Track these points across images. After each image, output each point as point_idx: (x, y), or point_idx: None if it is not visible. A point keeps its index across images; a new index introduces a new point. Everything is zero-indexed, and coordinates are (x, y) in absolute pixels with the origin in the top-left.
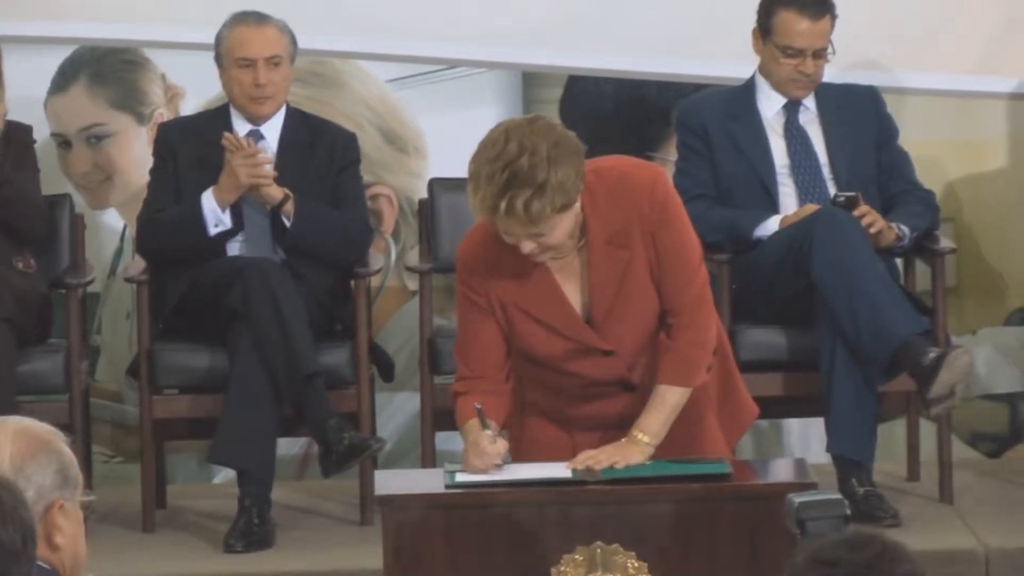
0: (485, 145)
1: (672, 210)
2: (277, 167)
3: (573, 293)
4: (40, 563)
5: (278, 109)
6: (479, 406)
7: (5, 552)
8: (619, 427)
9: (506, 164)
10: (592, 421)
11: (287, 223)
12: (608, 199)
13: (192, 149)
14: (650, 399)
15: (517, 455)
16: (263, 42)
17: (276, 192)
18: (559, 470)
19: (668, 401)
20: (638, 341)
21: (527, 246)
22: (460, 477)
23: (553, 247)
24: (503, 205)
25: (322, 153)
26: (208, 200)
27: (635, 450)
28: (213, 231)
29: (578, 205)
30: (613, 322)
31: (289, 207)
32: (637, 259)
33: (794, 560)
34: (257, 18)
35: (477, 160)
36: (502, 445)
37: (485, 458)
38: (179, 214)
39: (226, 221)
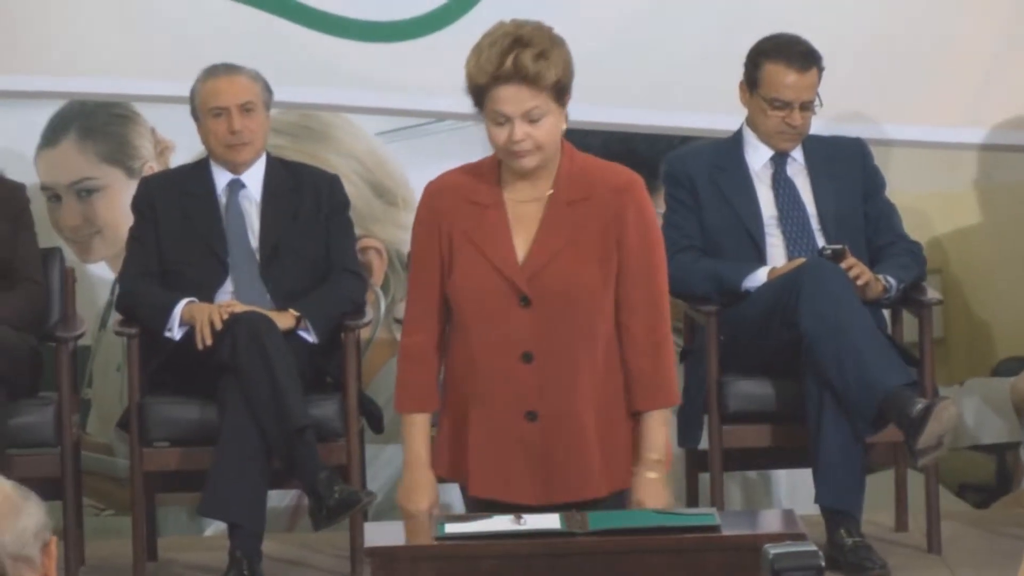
0: (486, 32)
1: (645, 211)
2: (262, 216)
3: (520, 240)
4: None
5: (256, 156)
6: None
7: None
8: (507, 408)
9: (509, 33)
10: (485, 398)
11: (310, 339)
12: (582, 171)
13: (173, 202)
14: (642, 426)
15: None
16: (235, 90)
17: (289, 320)
18: (550, 521)
19: (658, 421)
20: (558, 305)
21: (520, 130)
22: (449, 528)
23: (541, 146)
24: (509, 62)
25: (307, 197)
26: (179, 308)
27: (655, 479)
28: (166, 334)
29: (563, 122)
30: (544, 276)
31: (304, 323)
32: (589, 230)
33: None
34: (227, 68)
35: (479, 41)
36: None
37: (415, 516)
38: (152, 305)
39: (175, 336)
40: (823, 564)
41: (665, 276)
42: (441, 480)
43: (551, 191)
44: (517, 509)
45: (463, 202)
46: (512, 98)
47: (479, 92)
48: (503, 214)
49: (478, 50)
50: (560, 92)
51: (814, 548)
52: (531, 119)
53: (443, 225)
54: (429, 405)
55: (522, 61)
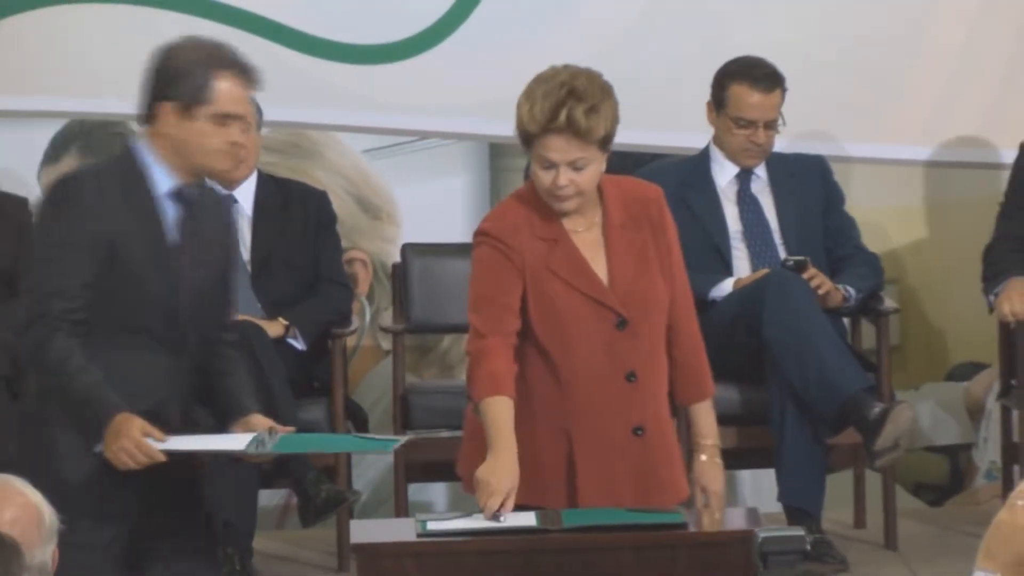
0: (537, 77)
1: (670, 221)
2: (253, 230)
3: (596, 265)
4: None
5: (249, 173)
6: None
7: None
8: (614, 424)
9: (564, 83)
10: (589, 419)
11: (298, 346)
12: (620, 192)
13: None
14: (691, 417)
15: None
16: None
17: (278, 328)
18: (526, 519)
19: (708, 409)
20: (650, 319)
21: (564, 176)
22: (431, 526)
23: (582, 192)
24: (563, 115)
25: (296, 212)
26: None
27: (714, 464)
28: None
29: (603, 165)
30: (633, 297)
31: (293, 331)
32: (648, 248)
33: None
34: None
35: (531, 86)
36: (509, 505)
37: (497, 495)
38: None
39: None
40: (809, 548)
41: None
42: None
43: (602, 220)
44: None
45: (531, 238)
46: (561, 148)
47: (528, 137)
48: (571, 245)
49: (531, 98)
50: (606, 142)
51: (801, 533)
52: (576, 167)
53: (516, 258)
54: (507, 390)
55: (575, 116)
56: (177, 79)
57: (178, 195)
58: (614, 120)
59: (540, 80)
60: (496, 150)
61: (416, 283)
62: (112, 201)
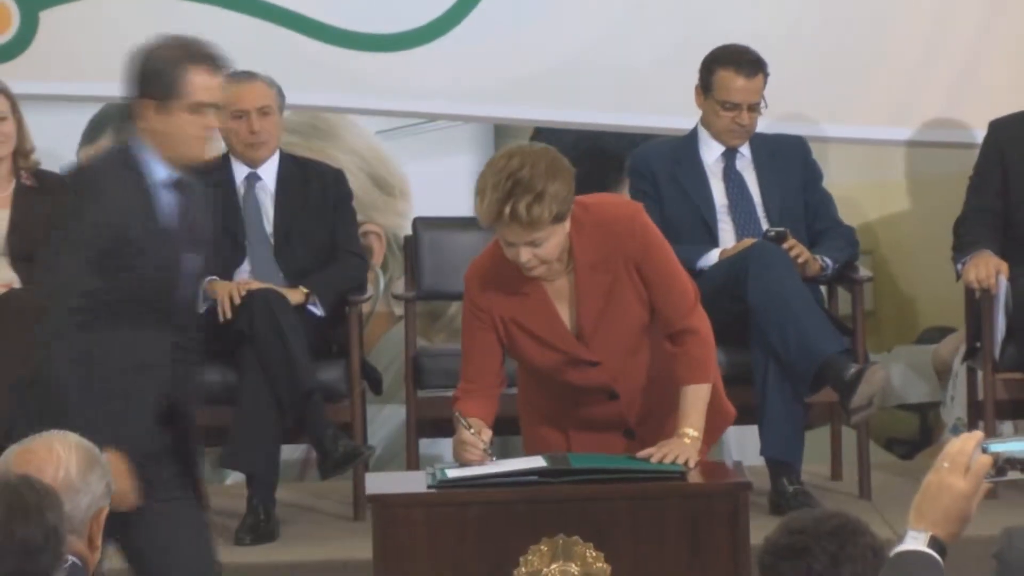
0: (491, 163)
1: (652, 240)
2: (276, 205)
3: (564, 311)
4: (73, 559)
5: (272, 153)
6: (457, 413)
7: (26, 548)
8: (607, 428)
9: (509, 175)
10: (584, 422)
11: (318, 312)
12: (592, 231)
13: None
14: (681, 400)
15: (526, 449)
16: (254, 95)
17: (299, 296)
18: (535, 461)
19: (697, 397)
20: (621, 354)
21: (524, 254)
22: (451, 473)
23: (546, 260)
24: (507, 210)
25: (315, 189)
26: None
27: (690, 446)
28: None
29: (567, 226)
30: (598, 337)
31: (312, 298)
32: (620, 282)
33: (769, 534)
34: (247, 75)
35: (484, 175)
36: (485, 435)
37: (469, 448)
38: None
39: (200, 309)
40: None
41: (681, 276)
42: None
43: (571, 265)
44: None
45: (504, 294)
46: (512, 235)
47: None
48: (542, 294)
49: (482, 190)
50: (560, 218)
51: None
52: (534, 245)
53: (494, 314)
54: (476, 414)
55: (518, 211)
56: (152, 78)
57: (172, 184)
58: (563, 198)
59: (491, 167)
60: (499, 131)
61: (426, 254)
62: (121, 191)
